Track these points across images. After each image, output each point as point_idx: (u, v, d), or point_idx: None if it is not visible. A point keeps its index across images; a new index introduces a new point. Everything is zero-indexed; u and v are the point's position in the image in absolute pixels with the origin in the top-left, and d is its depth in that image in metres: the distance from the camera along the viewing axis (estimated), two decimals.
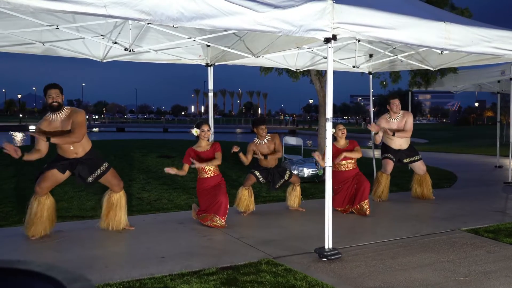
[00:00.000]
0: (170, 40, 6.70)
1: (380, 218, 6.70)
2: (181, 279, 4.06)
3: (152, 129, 70.17)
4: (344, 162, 7.01)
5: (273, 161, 6.94)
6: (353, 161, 7.07)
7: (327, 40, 4.64)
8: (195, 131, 6.18)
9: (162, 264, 4.49)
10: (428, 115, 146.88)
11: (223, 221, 5.94)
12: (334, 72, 4.78)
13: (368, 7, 4.81)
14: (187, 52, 7.46)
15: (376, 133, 7.69)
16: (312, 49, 7.22)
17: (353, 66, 8.51)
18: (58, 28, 5.68)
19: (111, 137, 21.69)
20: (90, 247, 5.10)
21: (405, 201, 7.92)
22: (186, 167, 6.14)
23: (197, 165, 6.00)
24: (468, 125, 67.97)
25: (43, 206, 5.30)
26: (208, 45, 7.22)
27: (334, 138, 7.06)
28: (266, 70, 10.57)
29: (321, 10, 4.48)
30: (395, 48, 7.81)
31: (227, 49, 6.82)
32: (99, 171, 5.54)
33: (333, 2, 4.53)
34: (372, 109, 10.48)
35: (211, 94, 7.85)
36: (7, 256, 4.77)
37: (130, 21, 5.46)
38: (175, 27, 4.87)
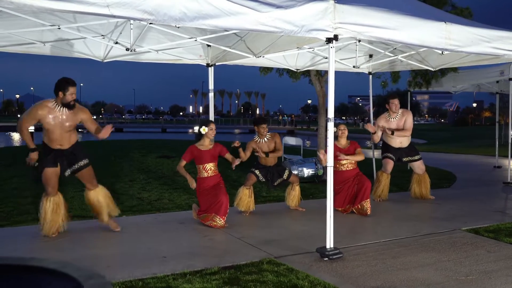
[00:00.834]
0: (171, 40, 6.70)
1: (380, 218, 6.72)
2: (183, 278, 4.07)
3: (151, 129, 70.11)
4: (344, 162, 7.03)
5: (273, 159, 6.95)
6: (353, 161, 7.09)
7: (329, 40, 4.65)
8: (202, 129, 6.17)
9: (164, 264, 4.49)
10: (426, 115, 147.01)
11: (223, 221, 5.95)
12: (334, 72, 4.78)
13: (370, 7, 4.83)
14: (188, 52, 7.46)
15: (374, 133, 7.73)
16: (312, 49, 7.23)
17: (354, 66, 8.52)
18: (59, 28, 5.69)
19: (110, 137, 21.66)
20: (92, 247, 5.10)
21: (405, 201, 7.94)
22: (183, 163, 6.15)
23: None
24: (466, 125, 68.08)
25: (57, 203, 5.38)
26: (208, 45, 7.23)
27: (335, 138, 7.11)
28: (266, 70, 10.57)
29: (323, 10, 4.50)
30: (395, 49, 7.83)
31: (228, 49, 6.83)
32: (76, 166, 5.50)
33: (335, 2, 4.54)
34: (371, 110, 10.50)
35: (211, 94, 7.85)
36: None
37: (132, 21, 5.46)
38: (178, 27, 4.88)
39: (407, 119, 7.82)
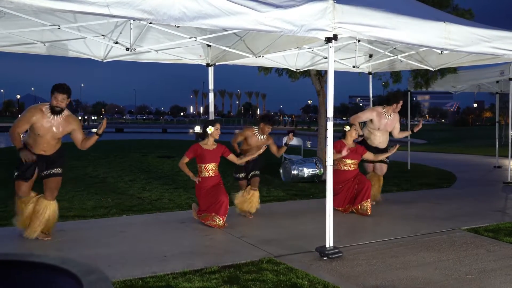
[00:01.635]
0: (171, 40, 6.71)
1: (380, 218, 6.73)
2: (183, 277, 4.08)
3: (151, 129, 70.13)
4: (349, 161, 7.03)
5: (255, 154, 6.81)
6: (356, 162, 7.11)
7: (328, 40, 4.67)
8: (209, 129, 6.18)
9: (164, 263, 4.50)
10: (427, 115, 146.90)
11: (222, 221, 5.95)
12: (334, 72, 4.79)
13: (369, 7, 4.84)
14: (188, 52, 7.47)
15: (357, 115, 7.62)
16: (312, 49, 7.24)
17: (353, 66, 8.52)
18: (59, 28, 5.69)
19: (110, 138, 21.69)
20: (92, 246, 5.11)
21: (405, 201, 7.94)
22: (186, 160, 6.15)
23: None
24: (467, 125, 68.05)
25: (32, 203, 5.28)
26: (208, 45, 7.24)
27: (344, 136, 7.13)
28: (265, 70, 10.57)
29: (322, 10, 4.51)
30: (395, 48, 7.83)
31: (227, 49, 6.84)
32: (48, 171, 5.34)
33: (334, 2, 4.56)
34: None
35: (211, 94, 7.86)
36: None
37: (132, 21, 5.47)
38: (177, 27, 4.89)
39: (397, 122, 7.73)
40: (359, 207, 6.86)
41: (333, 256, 4.69)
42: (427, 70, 9.12)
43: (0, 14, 5.19)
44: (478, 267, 4.48)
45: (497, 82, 12.43)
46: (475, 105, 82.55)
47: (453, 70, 11.03)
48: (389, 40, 5.11)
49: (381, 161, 7.79)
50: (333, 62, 4.75)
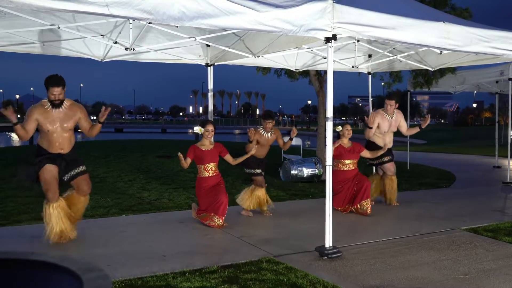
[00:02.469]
0: (170, 39, 6.71)
1: (380, 217, 6.73)
2: (182, 277, 4.08)
3: (151, 129, 70.14)
4: (348, 161, 7.04)
5: (264, 152, 6.86)
6: (355, 161, 7.11)
7: (327, 40, 4.67)
8: (199, 129, 6.16)
9: (164, 263, 4.51)
10: (426, 116, 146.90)
11: (221, 220, 5.95)
12: (333, 73, 4.80)
13: (368, 7, 4.84)
14: (187, 52, 7.47)
15: (371, 128, 7.57)
16: (311, 49, 7.24)
17: (353, 66, 8.53)
18: (59, 28, 5.69)
19: (110, 138, 21.69)
20: (91, 245, 5.11)
21: (404, 201, 7.94)
22: (188, 161, 6.11)
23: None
24: (466, 125, 68.03)
25: (61, 208, 5.16)
26: (208, 45, 7.25)
27: (339, 136, 7.14)
28: (263, 70, 10.57)
29: (322, 10, 4.51)
30: (394, 48, 7.83)
31: (227, 48, 6.84)
32: (74, 172, 5.31)
33: (333, 2, 4.56)
34: (371, 110, 10.50)
35: (210, 94, 7.86)
36: None
37: (131, 21, 5.47)
38: (177, 27, 4.90)
39: (402, 120, 7.73)
40: (359, 206, 6.86)
41: (333, 255, 4.69)
42: (427, 70, 9.12)
43: (0, 14, 5.19)
44: (478, 267, 4.49)
45: (497, 82, 12.44)
46: (474, 105, 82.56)
47: (453, 70, 11.03)
48: (389, 40, 5.11)
49: (386, 161, 7.79)
50: (332, 62, 4.75)
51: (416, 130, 8.14)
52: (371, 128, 7.54)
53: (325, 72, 9.21)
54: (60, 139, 5.19)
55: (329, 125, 4.81)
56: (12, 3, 3.46)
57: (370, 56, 8.81)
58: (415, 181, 10.19)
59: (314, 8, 4.48)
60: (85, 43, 6.82)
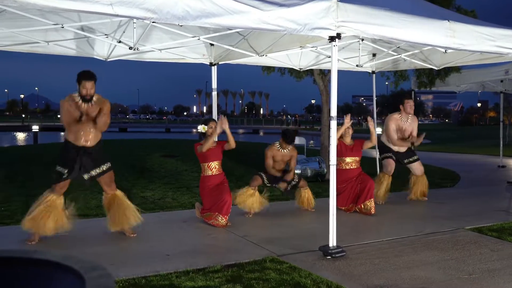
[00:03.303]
0: (174, 39, 6.71)
1: (384, 217, 6.71)
2: (186, 276, 4.08)
3: (155, 129, 70.21)
4: (348, 160, 7.03)
5: (280, 167, 6.96)
6: (357, 160, 7.10)
7: (332, 39, 4.65)
8: (202, 128, 6.17)
9: (167, 262, 4.50)
10: (431, 115, 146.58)
11: (225, 220, 5.94)
12: (337, 72, 4.78)
13: (373, 5, 4.82)
14: (191, 51, 7.47)
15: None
16: (316, 48, 7.23)
17: (357, 65, 8.50)
18: (63, 27, 5.69)
19: (114, 137, 21.72)
20: (95, 244, 5.12)
21: (408, 201, 7.92)
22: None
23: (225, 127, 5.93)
24: (471, 125, 67.89)
25: (54, 204, 5.19)
26: (212, 44, 7.24)
27: (340, 136, 7.13)
28: (269, 69, 10.56)
29: (326, 9, 4.50)
30: (398, 47, 7.81)
31: (231, 48, 6.84)
32: (100, 169, 5.37)
33: (338, 1, 4.54)
34: (375, 109, 10.47)
35: (214, 93, 7.86)
36: None
37: (135, 20, 5.46)
38: (181, 26, 4.89)
39: (415, 128, 7.77)
40: (363, 206, 6.84)
41: (336, 255, 4.68)
42: (431, 69, 9.09)
43: (2, 13, 5.20)
44: (482, 267, 4.47)
45: (502, 81, 12.38)
46: (479, 104, 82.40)
47: (457, 69, 10.98)
48: (393, 39, 5.09)
49: (412, 161, 7.88)
50: (336, 61, 4.74)
51: (419, 141, 8.11)
52: (389, 134, 7.68)
53: (329, 71, 9.21)
54: (86, 132, 5.28)
55: (333, 124, 4.80)
56: (16, 2, 3.47)
57: (374, 55, 8.78)
58: None
59: (318, 7, 4.47)
60: (89, 43, 6.83)
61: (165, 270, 4.23)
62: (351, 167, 7.05)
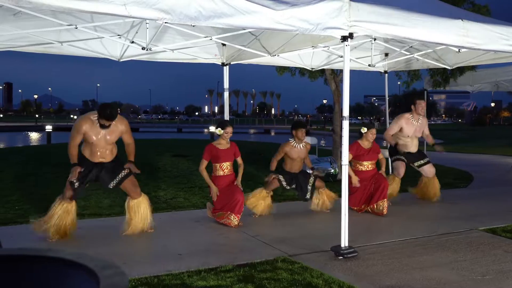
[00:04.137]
0: (186, 39, 6.73)
1: (396, 218, 6.67)
2: (198, 275, 4.09)
3: (166, 129, 70.48)
4: (366, 162, 6.99)
5: (299, 165, 6.93)
6: (374, 162, 7.06)
7: (344, 38, 4.64)
8: (218, 131, 6.20)
9: (179, 261, 4.52)
10: (443, 115, 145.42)
11: (237, 219, 5.95)
12: (349, 71, 4.77)
13: (385, 5, 4.80)
14: (203, 52, 7.49)
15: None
16: (328, 47, 7.21)
17: (369, 65, 8.46)
18: (76, 28, 5.74)
19: None
20: (107, 244, 5.15)
21: (420, 201, 7.87)
22: (205, 163, 6.15)
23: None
24: (484, 125, 67.23)
25: (68, 210, 5.25)
26: (224, 44, 7.25)
27: (361, 136, 7.06)
28: (283, 69, 10.55)
29: (338, 8, 4.48)
30: (411, 47, 7.76)
31: (243, 48, 6.84)
32: (118, 178, 5.46)
33: (350, 0, 4.53)
34: (387, 109, 10.42)
35: (226, 94, 7.87)
36: None
37: (147, 20, 5.49)
38: (193, 26, 4.91)
39: (427, 128, 7.73)
40: (375, 206, 6.80)
41: (348, 255, 4.66)
42: (445, 68, 9.02)
43: (17, 14, 5.26)
44: (496, 268, 4.42)
45: None
46: (492, 104, 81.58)
47: (471, 68, 10.87)
48: (406, 38, 5.06)
49: (423, 163, 7.81)
50: (349, 61, 4.72)
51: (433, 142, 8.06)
52: (390, 128, 7.66)
53: (341, 71, 9.18)
54: (102, 150, 5.39)
55: (345, 124, 4.78)
56: (31, 3, 3.50)
57: (386, 54, 8.73)
58: None
59: (331, 7, 4.45)
60: (102, 43, 6.88)
61: (177, 269, 4.25)
62: (367, 169, 7.01)
